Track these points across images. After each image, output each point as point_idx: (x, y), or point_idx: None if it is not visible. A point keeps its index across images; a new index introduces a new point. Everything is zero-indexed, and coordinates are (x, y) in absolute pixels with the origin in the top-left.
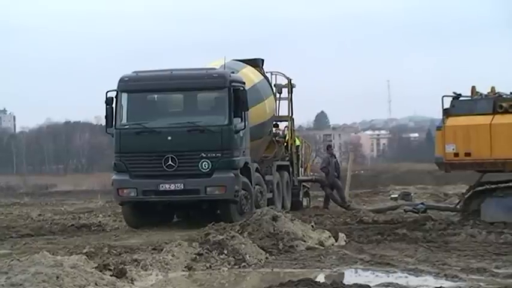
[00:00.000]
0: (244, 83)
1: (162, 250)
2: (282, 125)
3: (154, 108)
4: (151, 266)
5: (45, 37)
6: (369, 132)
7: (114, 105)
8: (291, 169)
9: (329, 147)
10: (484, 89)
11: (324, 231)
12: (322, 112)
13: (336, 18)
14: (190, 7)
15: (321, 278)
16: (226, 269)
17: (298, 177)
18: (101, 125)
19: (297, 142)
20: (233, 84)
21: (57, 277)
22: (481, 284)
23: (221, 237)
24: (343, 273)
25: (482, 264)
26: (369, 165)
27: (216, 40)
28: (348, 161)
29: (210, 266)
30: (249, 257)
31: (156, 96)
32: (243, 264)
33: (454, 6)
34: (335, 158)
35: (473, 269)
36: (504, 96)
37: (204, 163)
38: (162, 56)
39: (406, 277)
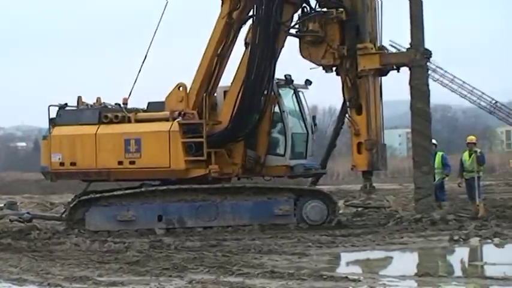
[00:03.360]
0: None
1: None
2: None
3: None
4: None
5: None
6: None
7: None
8: None
9: None
10: (90, 99)
11: None
12: None
13: None
14: None
15: None
16: None
17: None
18: None
19: None
20: None
21: None
22: None
23: None
24: None
25: (86, 272)
26: None
27: None
28: None
29: None
30: None
31: None
32: None
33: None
34: None
35: (76, 277)
36: (109, 106)
37: None
38: None
39: (10, 287)
